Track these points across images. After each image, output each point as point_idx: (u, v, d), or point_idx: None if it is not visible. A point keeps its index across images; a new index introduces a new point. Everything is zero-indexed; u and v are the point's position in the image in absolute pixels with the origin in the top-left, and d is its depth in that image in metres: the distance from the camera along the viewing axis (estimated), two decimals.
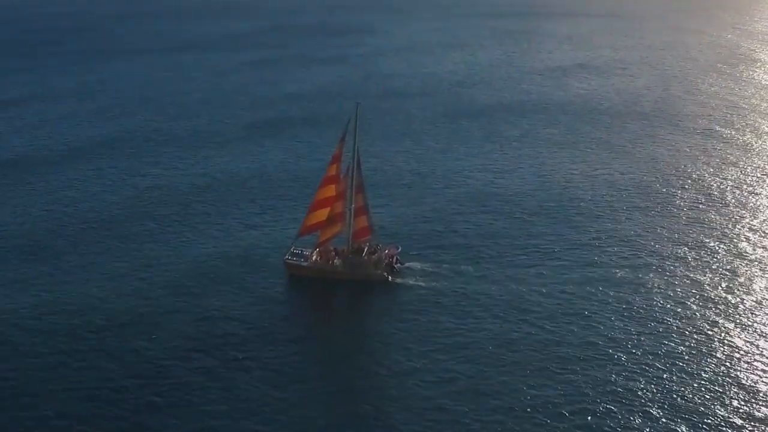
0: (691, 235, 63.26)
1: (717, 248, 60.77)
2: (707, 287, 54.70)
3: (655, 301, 52.89)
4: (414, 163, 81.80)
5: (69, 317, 51.19)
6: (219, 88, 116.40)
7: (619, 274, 56.55)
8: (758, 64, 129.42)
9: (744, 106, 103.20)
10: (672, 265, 57.99)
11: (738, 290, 54.14)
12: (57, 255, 60.59)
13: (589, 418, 41.08)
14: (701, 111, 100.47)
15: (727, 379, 44.24)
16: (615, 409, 41.64)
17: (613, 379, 44.25)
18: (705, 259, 59.02)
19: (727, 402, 42.26)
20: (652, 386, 43.62)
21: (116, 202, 71.53)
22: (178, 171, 79.90)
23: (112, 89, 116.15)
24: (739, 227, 64.70)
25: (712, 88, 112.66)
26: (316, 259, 57.97)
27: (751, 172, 77.62)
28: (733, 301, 52.64)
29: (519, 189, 74.33)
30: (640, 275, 56.43)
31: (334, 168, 57.69)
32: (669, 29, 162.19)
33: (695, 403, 42.14)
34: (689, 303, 52.57)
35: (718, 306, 52.13)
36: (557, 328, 49.70)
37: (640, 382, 43.99)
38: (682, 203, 70.17)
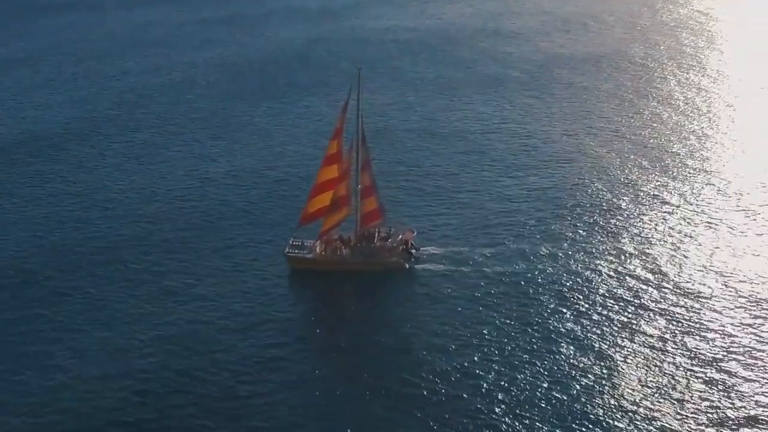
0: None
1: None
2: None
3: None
4: (416, 132, 73.26)
5: None
6: (187, 49, 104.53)
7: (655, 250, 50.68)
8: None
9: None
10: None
11: None
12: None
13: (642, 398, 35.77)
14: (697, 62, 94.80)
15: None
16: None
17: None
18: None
19: None
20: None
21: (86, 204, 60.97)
22: (149, 160, 68.64)
23: (64, 53, 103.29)
24: None
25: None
26: (321, 250, 50.49)
27: None
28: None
29: (533, 152, 67.72)
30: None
31: (336, 145, 50.21)
32: None
33: None
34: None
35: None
36: (602, 314, 44.09)
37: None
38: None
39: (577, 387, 38.24)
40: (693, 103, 78.79)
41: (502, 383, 38.68)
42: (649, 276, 47.79)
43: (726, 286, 46.43)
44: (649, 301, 45.22)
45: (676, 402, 37.12)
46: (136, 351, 42.03)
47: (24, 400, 38.35)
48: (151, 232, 55.15)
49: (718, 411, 36.44)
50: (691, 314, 43.85)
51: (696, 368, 39.39)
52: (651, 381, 38.58)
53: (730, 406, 36.76)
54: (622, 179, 61.42)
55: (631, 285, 46.96)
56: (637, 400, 37.23)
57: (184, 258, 51.55)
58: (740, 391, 37.72)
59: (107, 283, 48.77)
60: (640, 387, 38.17)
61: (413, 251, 50.65)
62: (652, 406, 36.81)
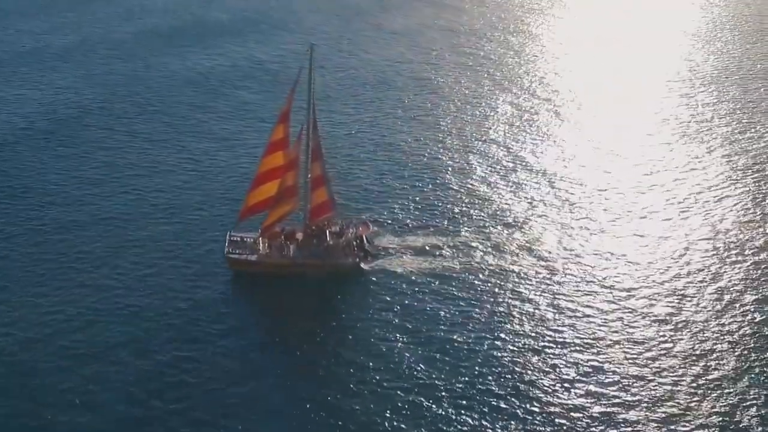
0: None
1: None
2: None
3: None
4: (365, 114, 67.68)
5: None
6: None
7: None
8: None
9: None
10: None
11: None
12: None
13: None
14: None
15: None
16: None
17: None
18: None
19: None
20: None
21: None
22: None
23: None
24: None
25: None
26: (265, 248, 44.83)
27: None
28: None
29: (498, 132, 64.01)
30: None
31: (282, 129, 44.56)
32: None
33: None
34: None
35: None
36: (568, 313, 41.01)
37: None
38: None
39: (548, 390, 35.98)
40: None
41: (472, 392, 35.79)
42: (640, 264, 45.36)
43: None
44: (643, 303, 42.49)
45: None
46: (53, 363, 36.53)
47: None
48: (72, 233, 47.97)
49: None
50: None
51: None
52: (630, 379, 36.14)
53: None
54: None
55: (619, 279, 44.19)
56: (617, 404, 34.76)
57: (107, 262, 44.92)
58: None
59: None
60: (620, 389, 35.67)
61: (368, 247, 45.81)
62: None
